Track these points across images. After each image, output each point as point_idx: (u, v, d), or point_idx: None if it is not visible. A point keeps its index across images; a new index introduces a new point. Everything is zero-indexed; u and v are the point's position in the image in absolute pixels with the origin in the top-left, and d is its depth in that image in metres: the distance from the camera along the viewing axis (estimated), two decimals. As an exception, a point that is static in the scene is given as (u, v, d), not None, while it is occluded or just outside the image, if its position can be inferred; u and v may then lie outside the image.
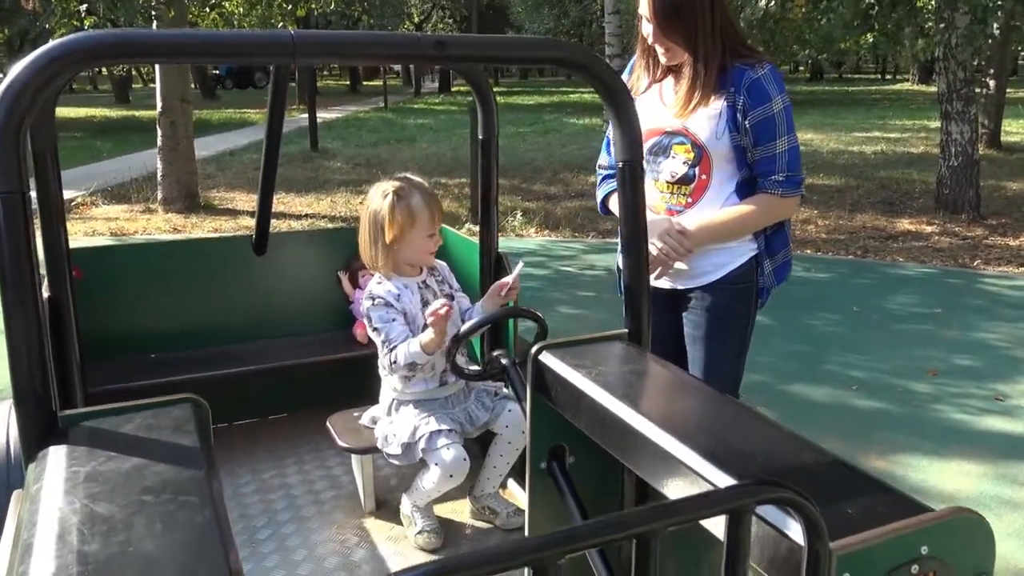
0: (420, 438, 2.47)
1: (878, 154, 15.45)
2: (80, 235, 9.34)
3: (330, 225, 9.93)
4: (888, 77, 49.95)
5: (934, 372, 5.16)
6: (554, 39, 1.69)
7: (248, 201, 11.55)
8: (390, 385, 2.58)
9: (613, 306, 7.11)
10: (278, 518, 2.70)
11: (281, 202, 11.48)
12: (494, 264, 2.87)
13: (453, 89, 40.08)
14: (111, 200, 11.44)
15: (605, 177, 2.85)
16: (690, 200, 2.59)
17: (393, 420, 2.56)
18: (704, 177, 2.57)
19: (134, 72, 37.30)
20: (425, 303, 2.52)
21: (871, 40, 19.67)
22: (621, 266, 2.82)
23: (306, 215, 10.71)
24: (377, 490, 2.74)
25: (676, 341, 2.78)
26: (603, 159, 2.87)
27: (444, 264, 2.69)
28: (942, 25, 9.60)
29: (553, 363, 1.90)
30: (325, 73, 61.07)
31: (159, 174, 10.74)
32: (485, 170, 2.79)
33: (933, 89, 15.69)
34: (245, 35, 1.46)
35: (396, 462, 2.53)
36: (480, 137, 2.75)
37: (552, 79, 61.10)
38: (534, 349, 1.95)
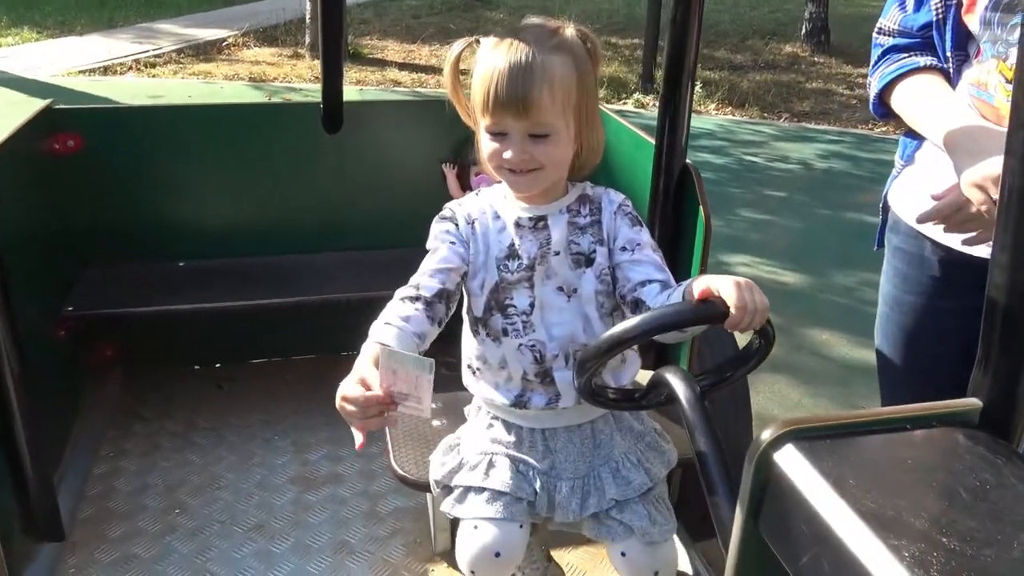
0: (456, 488, 1.47)
1: None
2: (220, 78, 8.81)
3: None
4: None
5: None
6: None
7: (400, 51, 10.68)
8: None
9: (807, 213, 5.82)
10: (309, 541, 1.82)
11: (435, 55, 10.49)
12: (676, 182, 1.72)
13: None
14: (262, 42, 10.90)
15: (890, 49, 1.58)
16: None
17: (463, 428, 1.54)
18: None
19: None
20: (512, 253, 1.40)
21: None
22: (895, 208, 1.65)
23: (462, 71, 9.67)
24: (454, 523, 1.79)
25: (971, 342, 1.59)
26: (890, 17, 1.59)
27: (617, 201, 1.45)
28: None
29: (810, 482, 0.81)
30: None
31: (307, 17, 9.96)
32: (680, 32, 1.61)
33: None
34: None
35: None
36: None
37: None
38: (768, 434, 0.86)
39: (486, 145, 1.34)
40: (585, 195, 1.45)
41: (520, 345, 1.40)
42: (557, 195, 1.43)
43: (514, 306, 1.40)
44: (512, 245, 1.40)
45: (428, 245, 1.44)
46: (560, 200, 1.43)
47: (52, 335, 2.10)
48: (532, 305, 1.40)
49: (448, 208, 1.46)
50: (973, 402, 0.91)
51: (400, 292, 1.36)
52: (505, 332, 1.40)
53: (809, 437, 0.85)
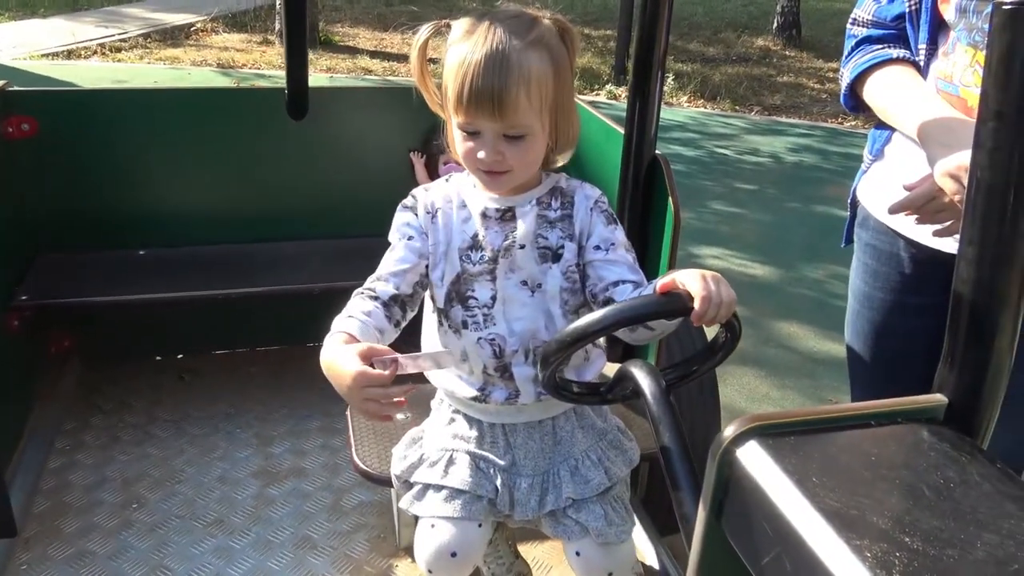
0: (415, 485, 1.45)
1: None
2: (188, 63, 8.64)
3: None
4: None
5: None
6: None
7: (372, 39, 10.56)
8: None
9: (777, 206, 5.86)
10: (270, 536, 1.79)
11: (407, 43, 10.37)
12: (645, 173, 1.71)
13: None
14: (231, 28, 10.72)
15: (863, 40, 1.57)
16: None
17: (426, 421, 1.52)
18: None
19: None
20: (476, 244, 1.37)
21: None
22: (865, 203, 1.64)
23: (430, 59, 9.60)
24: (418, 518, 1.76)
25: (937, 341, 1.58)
26: (865, 8, 1.57)
27: (593, 196, 1.40)
28: None
29: (773, 480, 0.80)
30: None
31: (277, 2, 9.84)
32: (650, 21, 1.60)
33: None
34: None
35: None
36: None
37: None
38: (731, 430, 0.85)
39: (459, 142, 1.29)
40: (558, 187, 1.39)
41: (479, 338, 1.36)
42: (529, 186, 1.38)
43: (475, 298, 1.36)
44: (476, 236, 1.36)
45: (389, 237, 1.40)
46: (531, 191, 1.37)
47: (4, 325, 2.04)
48: (494, 298, 1.36)
49: (411, 195, 1.41)
50: (938, 398, 0.90)
51: (358, 291, 1.33)
52: (465, 324, 1.37)
53: (772, 433, 0.84)
